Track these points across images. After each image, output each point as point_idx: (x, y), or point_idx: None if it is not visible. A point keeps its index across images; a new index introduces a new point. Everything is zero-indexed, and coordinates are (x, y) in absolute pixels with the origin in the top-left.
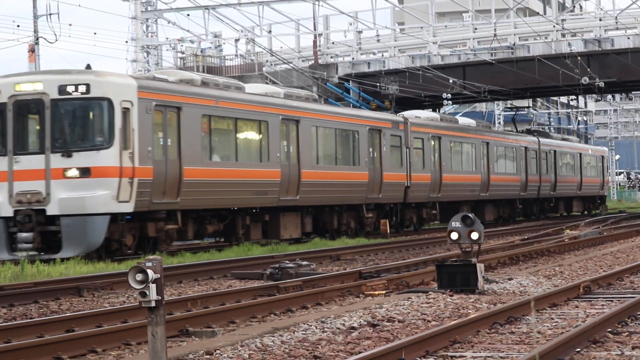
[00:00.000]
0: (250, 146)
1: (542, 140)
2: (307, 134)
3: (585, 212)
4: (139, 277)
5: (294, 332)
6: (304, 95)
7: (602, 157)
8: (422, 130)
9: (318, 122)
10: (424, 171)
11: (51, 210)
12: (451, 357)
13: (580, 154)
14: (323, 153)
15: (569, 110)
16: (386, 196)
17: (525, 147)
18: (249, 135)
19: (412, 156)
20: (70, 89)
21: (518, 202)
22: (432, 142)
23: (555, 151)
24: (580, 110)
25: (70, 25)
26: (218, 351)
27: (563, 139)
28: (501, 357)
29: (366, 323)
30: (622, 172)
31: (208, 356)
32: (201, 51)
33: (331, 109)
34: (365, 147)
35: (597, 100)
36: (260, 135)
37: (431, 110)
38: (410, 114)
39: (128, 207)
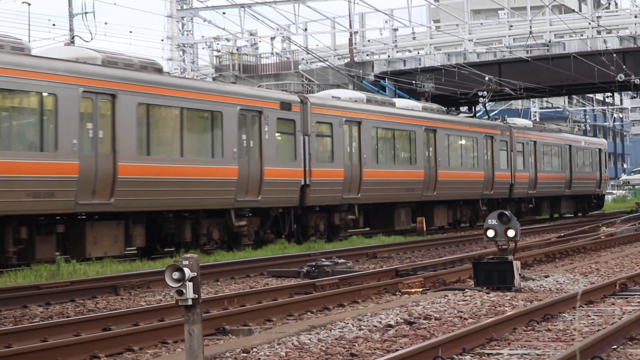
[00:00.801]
0: (22, 130)
1: (516, 129)
2: (130, 115)
3: (580, 214)
4: (176, 275)
5: (330, 330)
6: (138, 64)
7: (600, 150)
8: (330, 112)
9: (150, 98)
10: (334, 165)
11: None
12: (488, 354)
13: (570, 146)
14: (159, 141)
15: (605, 107)
16: (270, 198)
17: (492, 137)
18: (20, 114)
19: (314, 146)
20: None
21: (481, 203)
22: (347, 129)
23: (535, 142)
24: (615, 107)
25: (106, 23)
26: (255, 349)
27: (547, 129)
28: (537, 355)
29: (403, 321)
30: None
31: (245, 354)
32: (237, 49)
33: (176, 81)
34: (233, 133)
35: (632, 97)
36: (44, 115)
37: (466, 108)
38: (326, 93)
39: None
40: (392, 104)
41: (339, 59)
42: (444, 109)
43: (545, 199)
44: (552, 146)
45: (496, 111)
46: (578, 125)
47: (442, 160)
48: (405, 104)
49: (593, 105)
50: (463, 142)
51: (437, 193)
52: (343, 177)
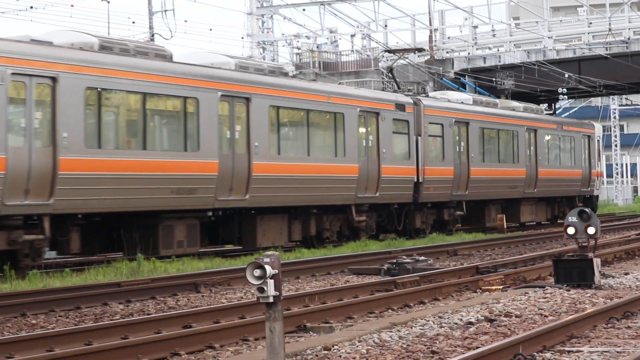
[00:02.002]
0: None
1: (428, 103)
2: None
3: (558, 221)
4: (257, 272)
5: (411, 328)
6: None
7: (589, 137)
8: (29, 65)
9: None
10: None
11: None
12: (568, 352)
13: (535, 130)
14: None
15: None
16: None
17: (376, 114)
18: None
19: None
20: None
21: (355, 210)
22: (41, 91)
23: (467, 123)
24: None
25: (185, 21)
26: (336, 347)
27: (497, 106)
28: (617, 352)
29: (483, 318)
30: None
31: (326, 352)
32: (317, 47)
33: None
34: None
35: None
36: None
37: (546, 105)
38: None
39: None
40: (164, 56)
41: (419, 56)
42: (288, 71)
43: (490, 202)
44: (500, 130)
45: (575, 108)
46: None
47: (262, 145)
48: (207, 60)
49: None
50: (312, 119)
51: (251, 197)
52: (5, 169)
